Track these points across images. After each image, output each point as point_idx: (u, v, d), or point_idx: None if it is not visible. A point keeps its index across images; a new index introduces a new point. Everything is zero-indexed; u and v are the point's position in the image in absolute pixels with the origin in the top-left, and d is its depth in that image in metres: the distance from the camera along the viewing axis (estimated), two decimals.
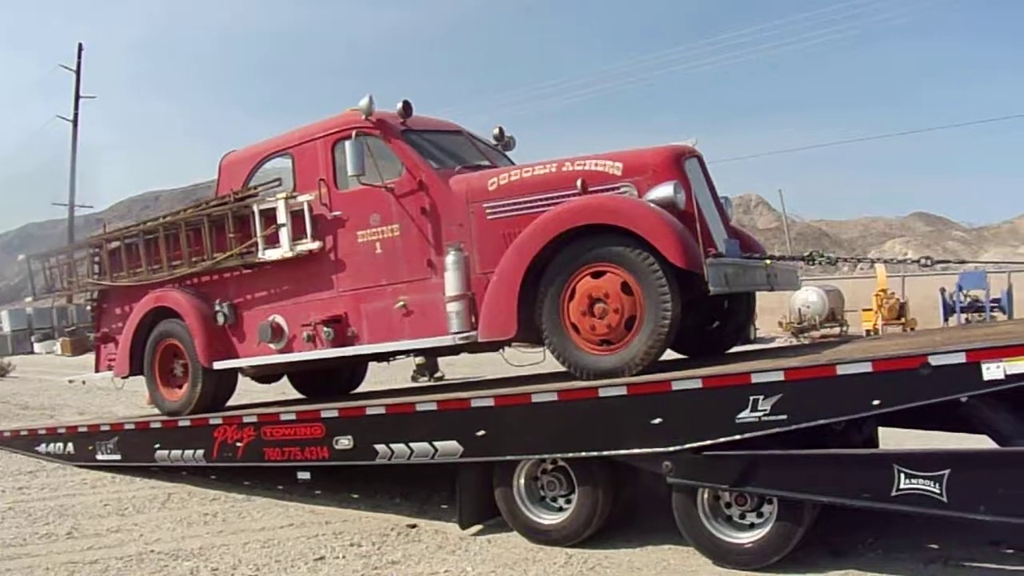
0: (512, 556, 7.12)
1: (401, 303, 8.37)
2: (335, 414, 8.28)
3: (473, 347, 8.53)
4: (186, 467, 9.92)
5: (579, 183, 7.53)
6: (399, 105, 8.57)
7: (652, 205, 7.24)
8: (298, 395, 11.61)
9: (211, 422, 9.30)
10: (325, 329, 8.76)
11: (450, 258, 7.88)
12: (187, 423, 9.64)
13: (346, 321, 8.78)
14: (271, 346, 9.26)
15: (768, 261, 8.24)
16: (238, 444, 8.98)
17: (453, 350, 9.02)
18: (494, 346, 8.57)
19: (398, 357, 10.31)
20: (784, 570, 6.40)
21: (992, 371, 5.57)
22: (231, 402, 10.44)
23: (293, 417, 8.58)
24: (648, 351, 7.08)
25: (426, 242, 8.28)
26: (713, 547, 6.60)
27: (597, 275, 7.26)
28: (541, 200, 7.76)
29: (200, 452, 9.40)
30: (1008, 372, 5.54)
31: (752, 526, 6.56)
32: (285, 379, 11.47)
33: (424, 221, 8.28)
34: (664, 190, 7.33)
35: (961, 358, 5.66)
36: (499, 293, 7.60)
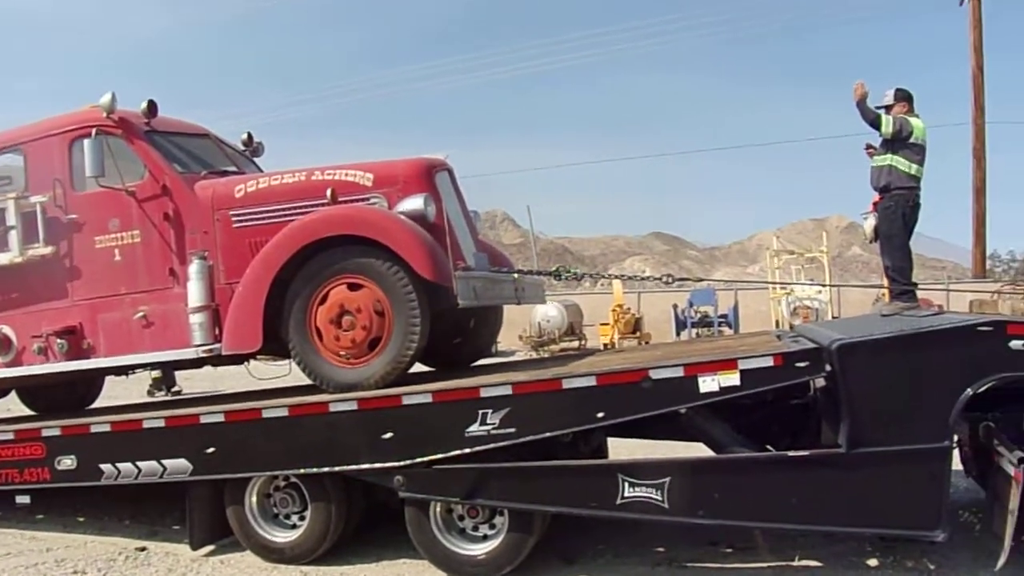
0: None
1: (141, 313, 7.93)
2: (57, 432, 7.79)
3: (217, 360, 8.17)
4: None
5: (329, 193, 7.31)
6: (143, 104, 8.11)
7: (402, 217, 7.14)
8: (28, 411, 10.71)
9: None
10: (58, 341, 8.16)
11: (194, 267, 7.53)
12: None
13: (81, 332, 8.21)
14: None
15: (516, 275, 8.29)
16: None
17: (196, 363, 8.58)
18: (239, 359, 8.28)
19: (137, 371, 9.81)
20: None
21: (708, 384, 5.83)
22: None
23: (11, 436, 8.00)
24: (395, 364, 6.99)
25: (168, 250, 7.87)
26: (447, 560, 6.60)
27: (353, 287, 7.11)
28: (289, 209, 7.53)
29: None
30: (722, 384, 5.80)
31: (485, 538, 6.60)
32: (14, 394, 10.59)
33: (167, 228, 7.86)
34: (414, 202, 7.25)
35: (680, 372, 5.90)
36: (244, 304, 7.31)
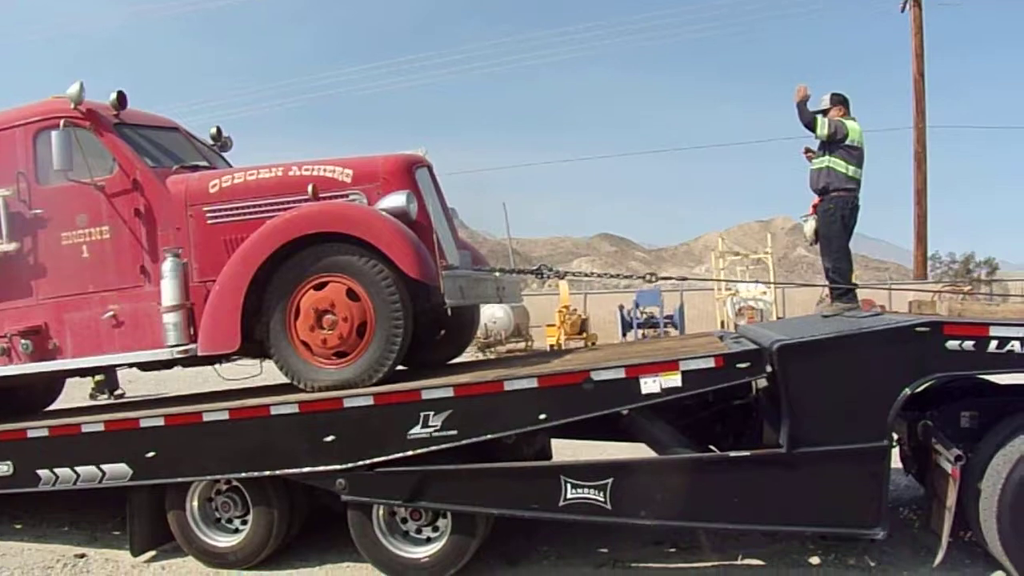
0: None
1: (110, 313, 7.66)
2: None
3: (189, 361, 7.88)
4: None
5: (310, 189, 7.14)
6: (112, 96, 7.81)
7: (386, 215, 7.01)
8: None
9: None
10: (23, 341, 7.86)
11: (167, 265, 7.31)
12: None
13: (47, 332, 7.91)
14: None
15: (497, 274, 8.23)
16: None
17: (167, 364, 8.24)
18: (211, 360, 8.07)
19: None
20: None
21: (649, 385, 5.85)
22: None
23: None
24: (379, 365, 6.86)
25: (139, 246, 7.64)
26: (390, 563, 6.58)
27: (320, 287, 6.99)
28: (267, 205, 7.37)
29: None
30: (664, 386, 5.84)
31: (428, 540, 6.59)
32: None
33: (137, 223, 7.63)
34: (396, 199, 7.11)
35: (621, 373, 5.92)
36: (222, 303, 7.11)
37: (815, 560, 6.61)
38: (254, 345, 7.32)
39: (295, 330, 7.07)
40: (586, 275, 11.24)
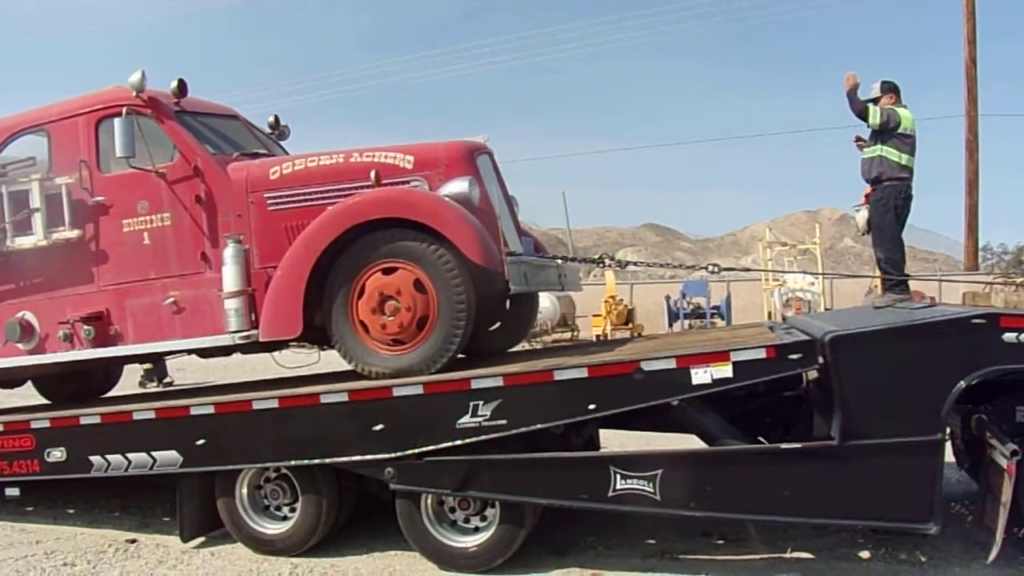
0: (236, 568, 6.89)
1: (171, 299, 7.70)
2: (46, 424, 7.73)
3: (250, 347, 7.90)
4: None
5: (373, 175, 7.11)
6: (173, 84, 7.88)
7: (450, 200, 6.97)
8: (44, 400, 10.47)
9: None
10: (85, 327, 7.89)
11: (228, 251, 7.31)
12: None
13: (108, 319, 7.95)
14: (20, 346, 8.27)
15: (560, 262, 8.21)
16: None
17: (227, 351, 8.29)
18: (271, 346, 8.08)
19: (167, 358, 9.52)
20: (509, 571, 6.46)
21: (700, 375, 5.80)
22: None
23: (0, 428, 7.94)
24: (443, 350, 6.84)
25: (200, 233, 7.66)
26: (438, 552, 6.58)
27: (388, 271, 6.95)
28: (328, 192, 7.36)
29: None
30: (715, 376, 5.78)
31: (476, 530, 6.59)
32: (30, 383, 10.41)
33: (198, 210, 7.65)
34: (459, 185, 7.06)
35: (672, 363, 5.88)
36: (284, 289, 7.10)
37: (865, 554, 6.55)
38: (314, 332, 7.32)
39: (356, 309, 7.05)
40: (648, 265, 11.21)
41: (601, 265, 8.73)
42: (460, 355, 7.14)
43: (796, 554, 6.61)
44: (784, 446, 6.03)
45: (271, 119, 9.32)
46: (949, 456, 6.21)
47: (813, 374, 6.52)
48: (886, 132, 8.49)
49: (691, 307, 27.52)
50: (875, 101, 8.66)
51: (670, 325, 26.88)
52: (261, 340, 7.32)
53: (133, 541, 7.72)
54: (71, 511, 8.76)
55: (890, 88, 8.75)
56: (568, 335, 27.21)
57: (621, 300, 28.66)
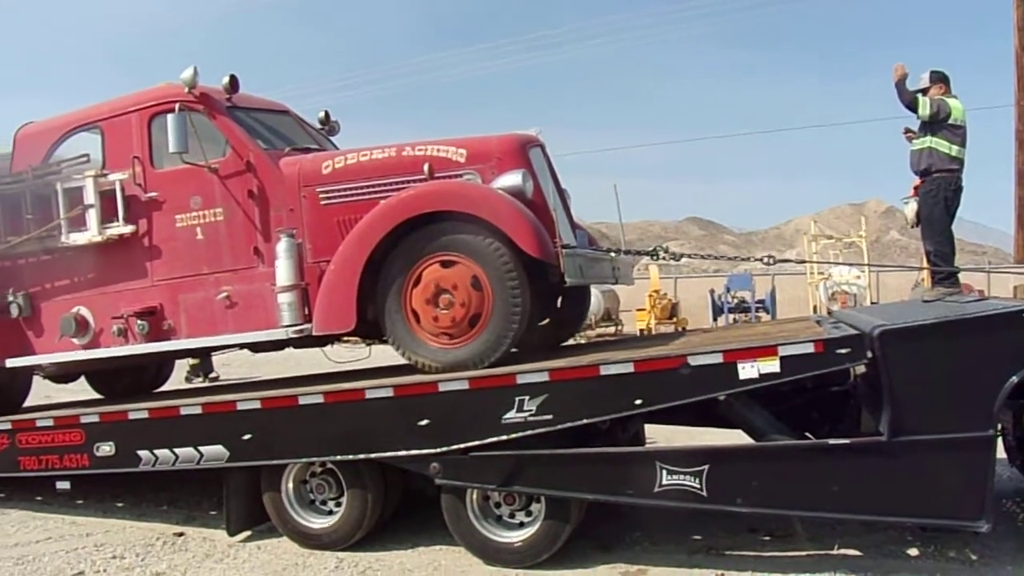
0: (282, 562, 6.93)
1: (224, 293, 7.76)
2: (96, 419, 7.82)
3: (302, 342, 7.96)
4: None
5: (427, 168, 7.14)
6: (225, 80, 7.94)
7: (504, 193, 6.96)
8: (96, 395, 10.70)
9: None
10: (139, 322, 7.98)
11: (282, 245, 7.36)
12: None
13: (161, 313, 8.04)
14: (75, 341, 8.38)
15: (613, 255, 8.18)
16: None
17: (278, 345, 8.38)
18: (323, 341, 8.12)
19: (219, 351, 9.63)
20: (554, 567, 6.44)
21: (747, 370, 5.76)
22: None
23: (50, 423, 8.03)
24: (496, 344, 6.85)
25: (253, 228, 7.71)
26: (483, 547, 6.58)
27: (447, 264, 6.94)
28: (381, 185, 7.37)
29: None
30: (762, 371, 5.73)
31: (521, 525, 6.57)
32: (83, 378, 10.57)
33: (251, 205, 7.71)
34: (512, 178, 7.07)
35: (719, 358, 5.84)
36: (338, 282, 7.11)
37: (914, 552, 6.46)
38: (367, 326, 7.33)
39: (410, 298, 7.05)
40: (702, 257, 11.13)
41: (655, 257, 8.67)
42: (514, 349, 7.14)
43: (843, 551, 6.54)
44: (832, 442, 5.97)
45: (321, 115, 9.35)
46: (1000, 452, 6.13)
47: (861, 369, 6.43)
48: (936, 123, 8.39)
49: (735, 301, 27.28)
50: (924, 91, 8.56)
51: (714, 319, 26.66)
52: (315, 334, 7.34)
53: (180, 534, 7.79)
54: (120, 504, 8.85)
55: (939, 78, 8.65)
56: (612, 330, 27.11)
57: (665, 294, 28.50)
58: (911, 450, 5.55)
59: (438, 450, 6.40)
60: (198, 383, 16.36)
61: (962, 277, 10.08)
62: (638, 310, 27.31)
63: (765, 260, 8.51)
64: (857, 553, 6.50)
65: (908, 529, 6.69)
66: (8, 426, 8.28)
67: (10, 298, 8.62)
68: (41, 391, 9.90)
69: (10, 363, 8.66)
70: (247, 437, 7.04)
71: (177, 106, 7.51)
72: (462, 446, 6.34)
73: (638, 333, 24.54)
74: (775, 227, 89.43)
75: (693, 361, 5.87)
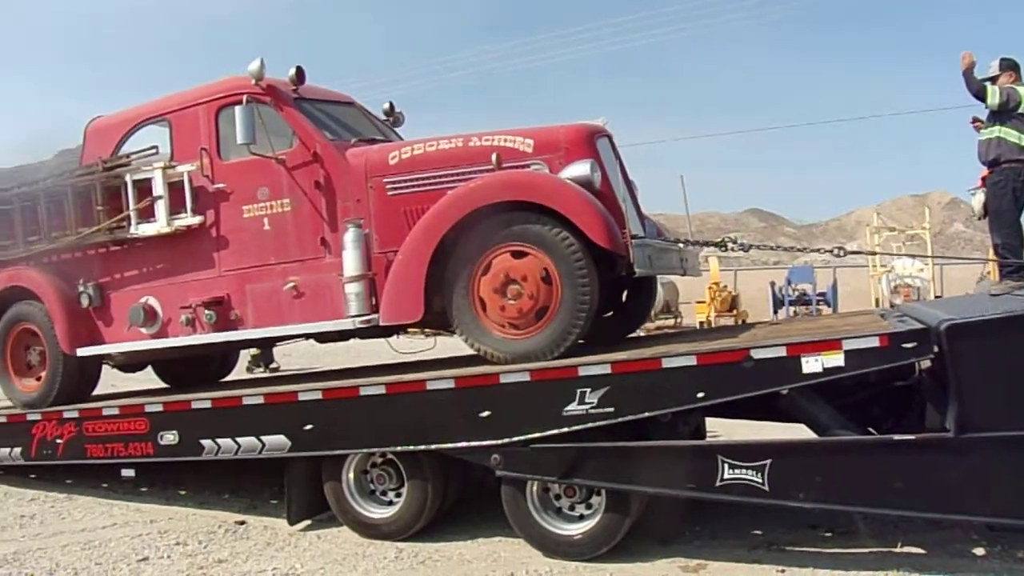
0: (342, 551, 6.97)
1: (291, 284, 7.79)
2: (159, 408, 7.94)
3: (368, 332, 7.95)
4: (2, 466, 9.41)
5: (494, 158, 7.10)
6: (291, 71, 7.99)
7: (573, 183, 6.92)
8: (162, 385, 10.81)
9: (29, 418, 8.78)
10: (206, 312, 8.06)
11: (349, 236, 7.38)
12: (2, 419, 9.12)
13: (229, 303, 8.11)
14: (143, 330, 8.46)
15: (681, 245, 8.15)
16: (58, 441, 8.50)
17: (344, 335, 8.43)
18: (389, 331, 8.10)
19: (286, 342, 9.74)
20: (613, 560, 6.40)
21: (811, 364, 5.69)
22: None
23: (116, 412, 8.18)
24: (565, 335, 6.79)
25: (320, 218, 7.76)
26: (543, 539, 6.57)
27: (518, 255, 6.90)
28: (447, 176, 7.36)
29: (17, 450, 8.91)
30: (826, 365, 5.66)
31: (581, 517, 6.55)
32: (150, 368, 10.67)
33: (318, 196, 7.75)
34: (580, 168, 7.02)
35: (782, 352, 5.77)
36: (406, 273, 7.11)
37: (979, 551, 6.34)
38: (433, 316, 7.32)
39: (478, 285, 7.02)
40: (771, 248, 11.03)
41: (723, 248, 8.60)
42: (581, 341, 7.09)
43: (907, 548, 6.43)
44: (897, 437, 5.88)
45: (386, 106, 9.38)
46: None
47: (926, 363, 6.35)
48: (1005, 113, 8.25)
49: (796, 294, 27.03)
50: (993, 80, 8.42)
51: (775, 312, 26.48)
52: (382, 324, 7.35)
53: (242, 523, 7.89)
54: (183, 492, 8.98)
55: (1009, 66, 8.50)
56: (671, 322, 26.97)
57: (725, 287, 28.35)
58: (978, 447, 5.45)
59: (499, 442, 6.41)
60: (259, 373, 16.53)
61: None
62: (698, 302, 27.21)
63: (835, 252, 8.40)
64: (921, 551, 6.39)
65: (974, 528, 6.57)
66: (76, 414, 8.44)
67: (81, 288, 8.74)
68: (107, 380, 10.02)
69: (81, 352, 8.77)
70: (308, 427, 7.10)
71: (244, 98, 7.57)
72: (523, 438, 6.34)
73: (697, 326, 24.40)
74: (835, 219, 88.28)
75: (756, 354, 5.81)
